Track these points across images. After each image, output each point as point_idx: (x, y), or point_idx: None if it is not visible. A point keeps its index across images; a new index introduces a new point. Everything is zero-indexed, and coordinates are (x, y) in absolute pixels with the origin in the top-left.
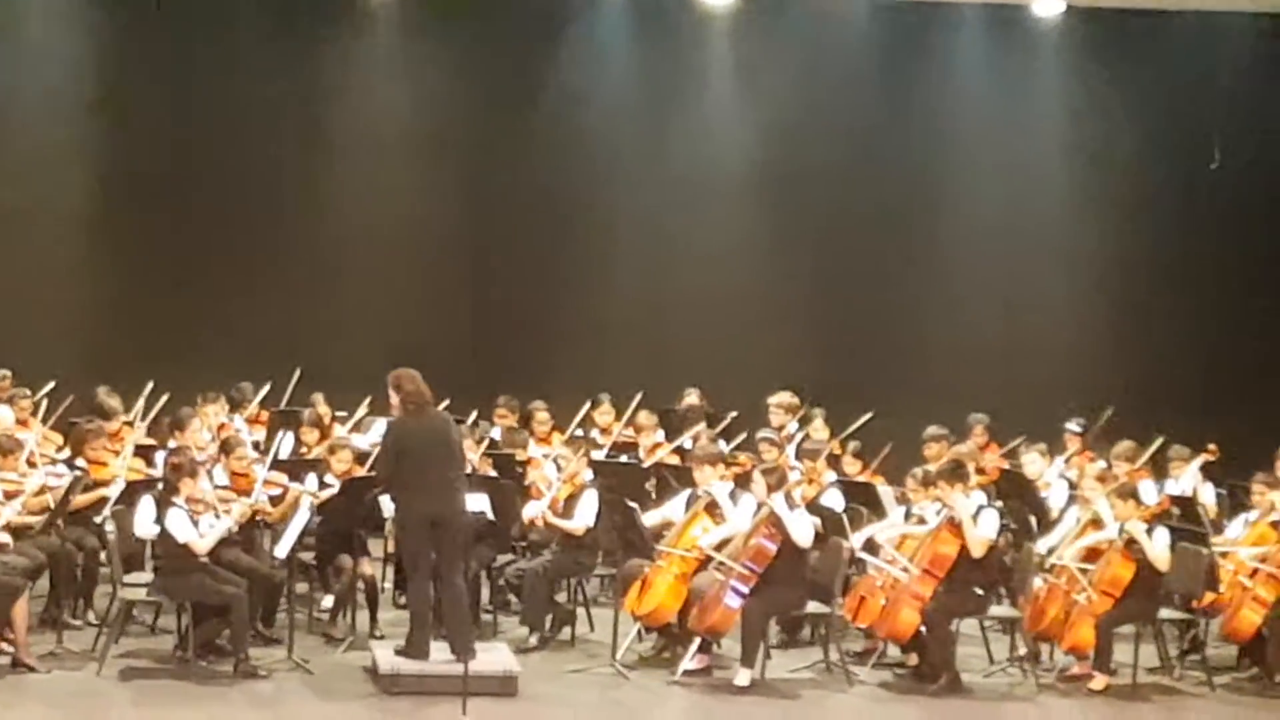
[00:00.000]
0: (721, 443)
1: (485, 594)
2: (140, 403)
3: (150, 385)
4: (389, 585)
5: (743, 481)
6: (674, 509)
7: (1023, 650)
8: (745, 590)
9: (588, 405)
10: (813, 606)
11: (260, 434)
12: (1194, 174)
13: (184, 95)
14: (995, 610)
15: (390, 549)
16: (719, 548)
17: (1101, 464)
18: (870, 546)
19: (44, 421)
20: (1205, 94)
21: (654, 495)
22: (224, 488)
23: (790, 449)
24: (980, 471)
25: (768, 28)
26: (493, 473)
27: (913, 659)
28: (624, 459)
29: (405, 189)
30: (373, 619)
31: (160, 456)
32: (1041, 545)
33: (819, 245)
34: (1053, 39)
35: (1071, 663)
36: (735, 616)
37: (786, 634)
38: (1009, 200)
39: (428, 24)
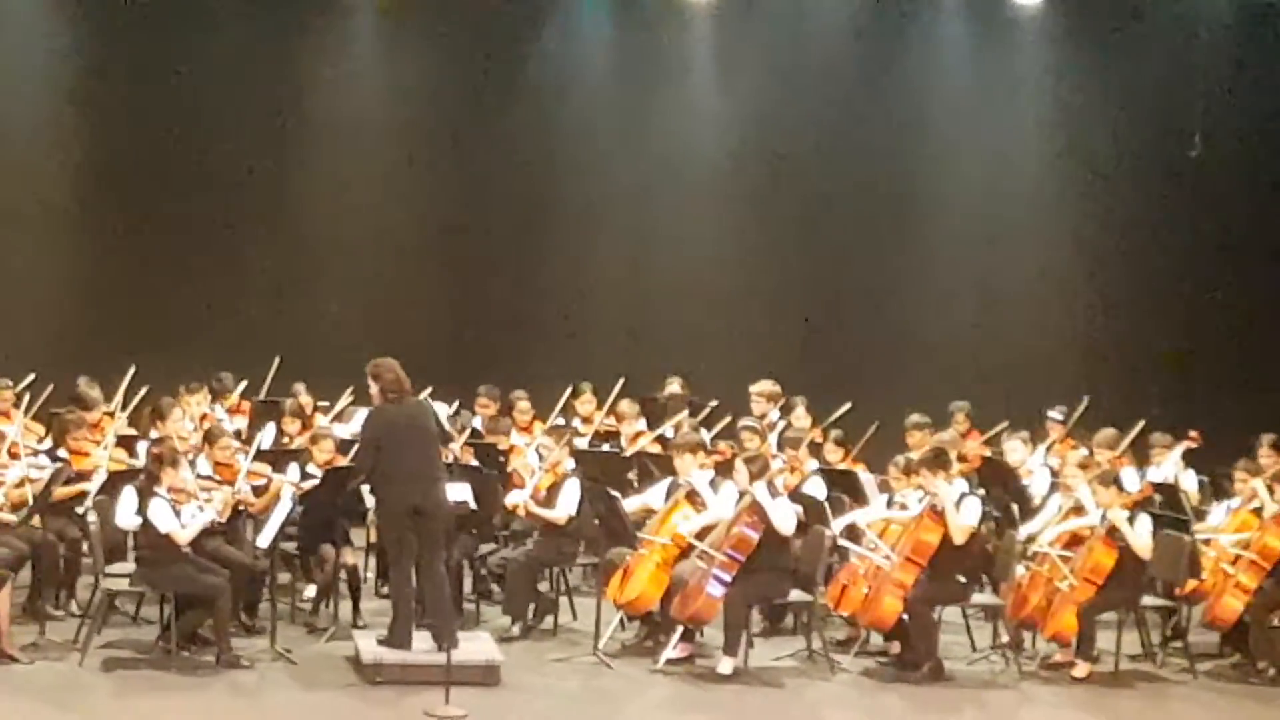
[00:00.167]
0: (703, 431)
1: (468, 583)
2: (120, 393)
3: (132, 371)
4: (371, 575)
5: (724, 470)
6: (653, 496)
7: (1005, 638)
8: (728, 579)
9: (569, 394)
10: (795, 595)
11: (241, 423)
12: (1174, 161)
13: (163, 85)
14: (977, 598)
15: (373, 539)
16: (700, 536)
17: (1083, 451)
18: (853, 534)
19: (25, 413)
20: (1185, 81)
21: (636, 484)
22: (207, 478)
23: (772, 437)
24: (962, 459)
25: (747, 15)
26: (474, 462)
27: (895, 647)
28: (606, 448)
29: (385, 178)
30: (355, 609)
31: (142, 447)
32: (1023, 532)
33: (800, 233)
34: (1033, 26)
35: (1054, 650)
36: (718, 605)
37: (769, 622)
38: (989, 188)
39: (407, 13)
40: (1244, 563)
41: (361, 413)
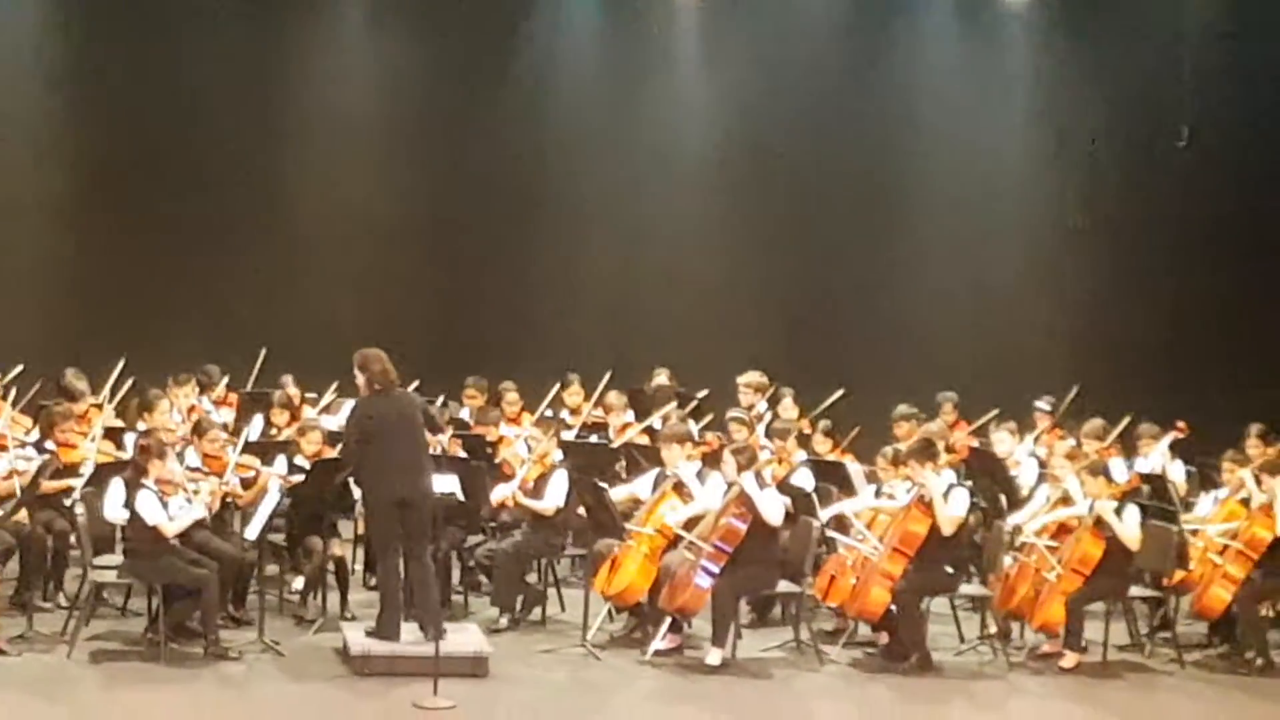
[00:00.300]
0: (691, 422)
1: (456, 575)
2: (108, 386)
3: (121, 364)
4: (359, 567)
5: (711, 461)
6: (640, 486)
7: (993, 628)
8: (716, 570)
9: (557, 386)
10: (783, 586)
11: (229, 415)
12: (1162, 152)
13: (151, 76)
14: (965, 589)
15: (360, 530)
16: (688, 526)
17: (1071, 442)
18: (840, 525)
19: (13, 405)
20: (1172, 75)
21: (624, 475)
22: (196, 469)
23: (760, 428)
24: (950, 450)
25: (735, 8)
26: (463, 453)
27: (883, 638)
28: (594, 439)
29: (373, 170)
30: (343, 600)
31: (130, 439)
32: (1010, 523)
33: (788, 225)
34: (1020, 20)
35: (1042, 641)
36: (706, 596)
37: (757, 613)
38: (977, 178)
39: (394, 4)
40: (1231, 553)
41: (349, 404)
